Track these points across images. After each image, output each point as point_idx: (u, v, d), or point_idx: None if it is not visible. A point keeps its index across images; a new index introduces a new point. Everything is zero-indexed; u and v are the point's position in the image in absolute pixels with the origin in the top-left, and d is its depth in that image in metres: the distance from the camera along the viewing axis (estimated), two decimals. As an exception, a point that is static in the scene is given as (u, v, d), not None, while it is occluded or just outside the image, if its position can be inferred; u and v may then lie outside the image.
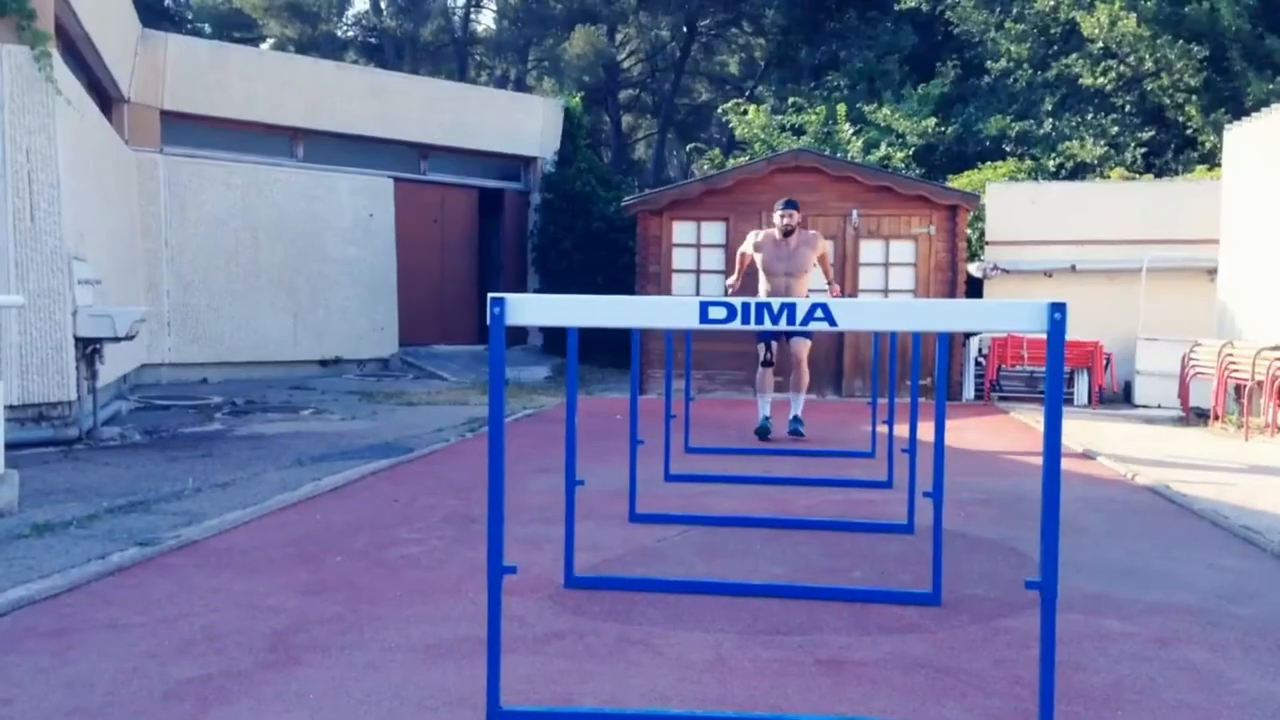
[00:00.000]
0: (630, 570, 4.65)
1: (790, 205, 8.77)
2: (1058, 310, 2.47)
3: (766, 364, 8.87)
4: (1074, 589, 4.37)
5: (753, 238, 8.88)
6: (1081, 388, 12.95)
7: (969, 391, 13.38)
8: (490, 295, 2.60)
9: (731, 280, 8.99)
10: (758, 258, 8.75)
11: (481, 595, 4.07)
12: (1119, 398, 13.23)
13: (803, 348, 8.89)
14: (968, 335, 13.35)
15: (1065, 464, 7.78)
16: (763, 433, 8.78)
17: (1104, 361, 12.95)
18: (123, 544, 4.87)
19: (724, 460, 7.64)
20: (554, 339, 16.69)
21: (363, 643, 3.60)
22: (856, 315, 2.72)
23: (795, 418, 8.84)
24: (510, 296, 2.60)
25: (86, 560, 4.57)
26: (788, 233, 8.66)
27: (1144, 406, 12.60)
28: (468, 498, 6.18)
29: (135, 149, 13.07)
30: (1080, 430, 9.96)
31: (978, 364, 13.46)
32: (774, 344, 8.83)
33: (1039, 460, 7.83)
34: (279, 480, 6.63)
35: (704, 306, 2.58)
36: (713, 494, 6.43)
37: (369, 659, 3.44)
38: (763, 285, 8.74)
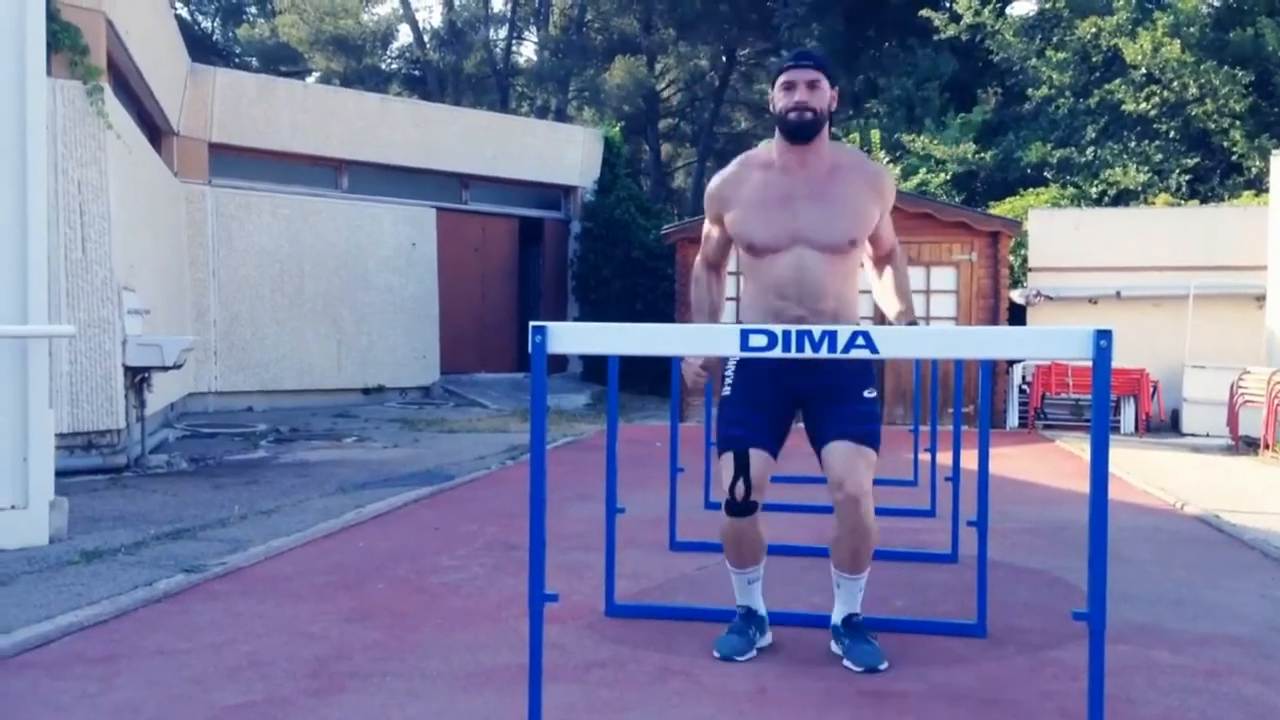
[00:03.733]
0: (671, 598, 4.65)
1: (803, 60, 3.82)
2: (1104, 337, 2.43)
3: (738, 510, 3.77)
4: (1122, 620, 4.30)
5: (718, 186, 3.96)
6: (1128, 416, 12.80)
7: (1013, 419, 13.26)
8: (532, 324, 2.60)
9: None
10: (736, 225, 3.88)
11: (522, 623, 4.08)
12: (1166, 426, 13.05)
13: (860, 465, 3.67)
14: (1011, 363, 13.18)
15: (1112, 493, 7.65)
16: (732, 647, 3.85)
17: (1151, 389, 12.79)
18: (169, 571, 4.92)
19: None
20: (594, 366, 16.71)
21: (404, 670, 3.61)
22: (899, 343, 2.69)
23: (848, 620, 3.86)
24: (552, 325, 2.60)
25: (134, 587, 4.62)
26: (801, 130, 3.73)
27: (1192, 435, 12.40)
28: (508, 525, 6.20)
29: (184, 180, 13.31)
30: (1127, 459, 9.83)
31: (1021, 391, 13.33)
32: (752, 461, 3.75)
33: (1084, 489, 7.71)
34: (322, 507, 6.68)
35: (744, 334, 2.56)
36: None
37: (410, 686, 3.45)
38: (752, 294, 3.92)
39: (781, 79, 3.78)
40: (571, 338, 2.69)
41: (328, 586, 4.74)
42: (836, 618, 3.89)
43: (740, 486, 3.70)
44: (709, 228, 4.05)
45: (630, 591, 4.67)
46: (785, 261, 3.76)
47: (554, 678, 3.48)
